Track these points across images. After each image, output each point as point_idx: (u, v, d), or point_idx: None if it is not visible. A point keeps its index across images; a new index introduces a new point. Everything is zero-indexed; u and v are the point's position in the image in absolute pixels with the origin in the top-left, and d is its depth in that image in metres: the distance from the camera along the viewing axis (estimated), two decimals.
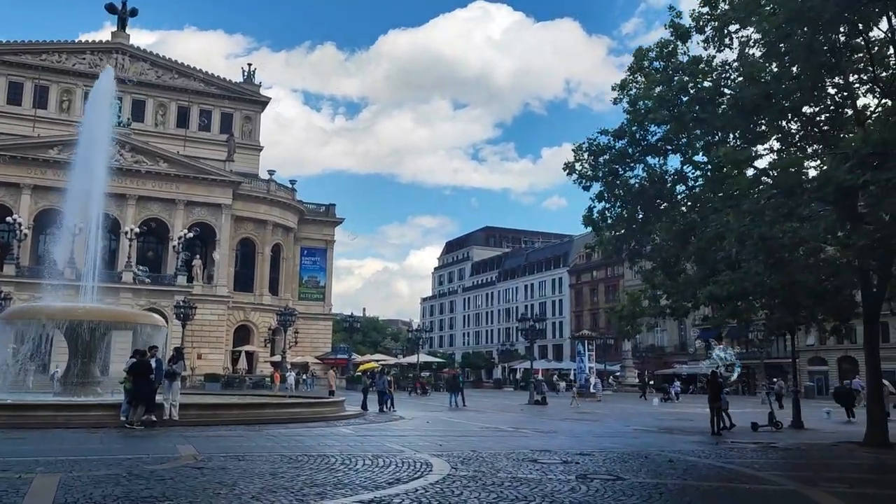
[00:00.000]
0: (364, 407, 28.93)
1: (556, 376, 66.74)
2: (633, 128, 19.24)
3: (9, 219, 55.17)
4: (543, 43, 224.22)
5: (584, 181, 20.15)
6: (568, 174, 20.30)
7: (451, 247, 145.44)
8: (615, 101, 21.59)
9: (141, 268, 60.50)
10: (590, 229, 21.97)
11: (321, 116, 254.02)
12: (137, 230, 60.02)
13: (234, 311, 66.79)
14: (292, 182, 75.94)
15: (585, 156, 20.12)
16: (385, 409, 28.84)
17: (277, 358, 61.64)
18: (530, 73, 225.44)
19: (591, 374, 53.34)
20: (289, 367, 58.02)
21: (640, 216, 20.56)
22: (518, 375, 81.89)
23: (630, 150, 19.61)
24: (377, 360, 65.20)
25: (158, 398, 17.81)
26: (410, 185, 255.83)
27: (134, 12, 75.85)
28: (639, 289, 25.24)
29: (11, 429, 16.23)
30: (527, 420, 27.02)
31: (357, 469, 11.42)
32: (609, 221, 21.06)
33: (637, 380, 65.89)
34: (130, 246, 59.14)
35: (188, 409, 18.66)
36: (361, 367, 54.51)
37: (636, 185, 19.98)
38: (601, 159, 20.05)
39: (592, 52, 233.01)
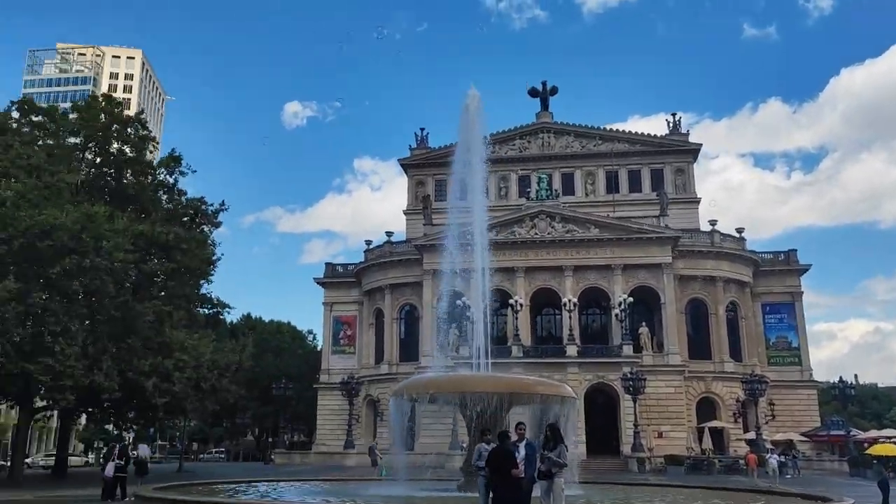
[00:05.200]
0: None
1: None
2: None
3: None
4: None
5: None
6: None
7: None
8: None
9: None
10: None
11: (775, 175, 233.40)
12: (576, 301, 57.06)
13: (692, 381, 58.52)
14: (739, 231, 65.83)
15: None
16: None
17: (752, 435, 51.34)
18: None
19: None
20: (769, 446, 47.31)
21: None
22: None
23: None
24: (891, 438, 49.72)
25: None
26: (893, 231, 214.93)
27: (554, 91, 77.02)
28: None
29: None
30: None
31: None
32: None
33: None
34: (571, 317, 56.12)
35: None
36: (875, 450, 40.81)
37: None
38: None
39: None
